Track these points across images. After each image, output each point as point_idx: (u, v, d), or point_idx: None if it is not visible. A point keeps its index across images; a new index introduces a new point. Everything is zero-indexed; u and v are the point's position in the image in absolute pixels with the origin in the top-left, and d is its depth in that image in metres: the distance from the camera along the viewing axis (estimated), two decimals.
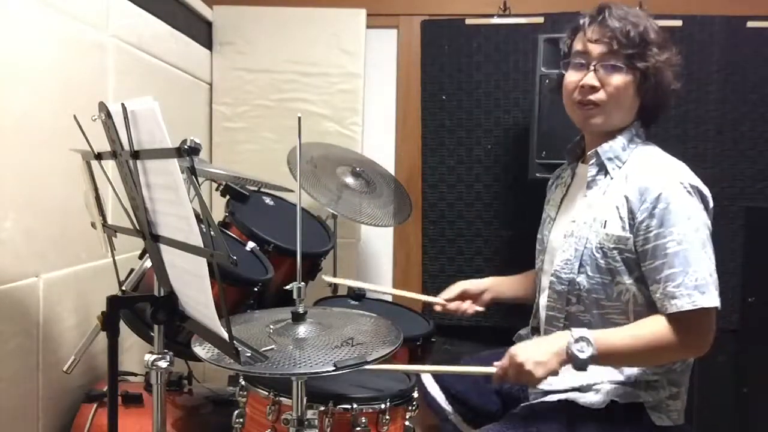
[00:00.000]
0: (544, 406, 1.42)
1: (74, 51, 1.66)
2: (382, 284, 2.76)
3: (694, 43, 2.44)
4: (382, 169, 2.46)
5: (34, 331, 1.53)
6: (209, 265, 0.93)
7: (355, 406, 1.35)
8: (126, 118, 1.00)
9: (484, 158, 2.61)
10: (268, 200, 2.13)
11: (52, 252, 1.59)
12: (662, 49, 1.43)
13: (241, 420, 1.43)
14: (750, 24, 2.44)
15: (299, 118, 1.23)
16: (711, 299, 1.32)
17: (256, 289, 1.66)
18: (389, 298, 2.68)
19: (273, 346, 1.12)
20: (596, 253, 1.41)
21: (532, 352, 1.34)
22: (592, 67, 1.44)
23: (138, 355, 1.92)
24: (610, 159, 1.47)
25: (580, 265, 1.43)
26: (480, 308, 1.76)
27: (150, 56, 2.07)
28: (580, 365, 1.32)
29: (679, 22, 2.43)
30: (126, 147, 1.04)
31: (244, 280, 1.64)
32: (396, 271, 2.77)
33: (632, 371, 1.41)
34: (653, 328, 1.35)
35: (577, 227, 1.47)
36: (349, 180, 2.25)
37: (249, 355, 1.04)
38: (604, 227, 1.41)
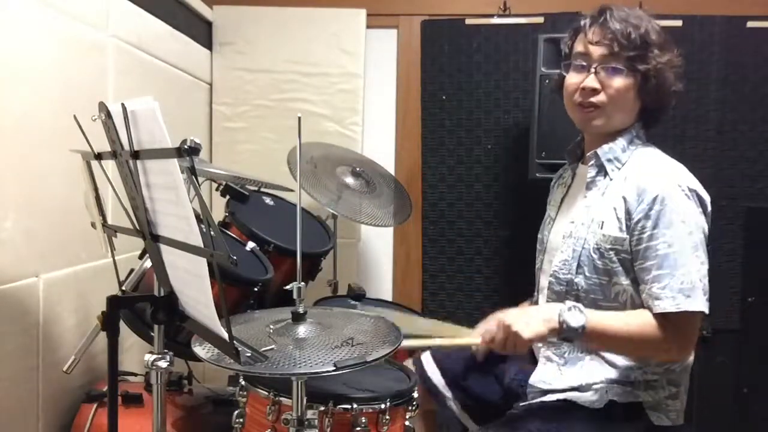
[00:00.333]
0: (544, 405, 1.42)
1: (74, 51, 1.66)
2: (382, 284, 2.76)
3: (694, 43, 2.44)
4: (382, 169, 2.46)
5: (34, 331, 1.53)
6: (209, 265, 0.93)
7: (355, 406, 1.35)
8: (126, 118, 1.00)
9: (484, 158, 2.61)
10: (268, 200, 2.13)
11: (52, 252, 1.59)
12: (663, 51, 1.43)
13: (241, 420, 1.43)
14: (750, 24, 2.44)
15: (299, 118, 1.23)
16: (696, 303, 1.31)
17: (256, 289, 1.66)
18: (389, 298, 2.69)
19: (273, 346, 1.12)
20: (594, 254, 1.42)
21: (520, 315, 1.37)
22: (593, 69, 1.44)
23: (138, 355, 1.92)
24: (609, 160, 1.47)
25: (578, 266, 1.44)
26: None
27: (150, 56, 2.06)
28: (569, 335, 1.33)
29: (679, 22, 2.43)
30: (126, 147, 1.04)
31: (244, 280, 1.64)
32: (396, 271, 2.77)
33: (631, 371, 1.41)
34: (643, 320, 1.35)
35: (576, 228, 1.47)
36: (349, 180, 2.25)
37: (249, 355, 1.04)
38: (602, 228, 1.41)
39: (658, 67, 1.42)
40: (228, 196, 1.89)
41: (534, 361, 1.55)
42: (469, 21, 2.58)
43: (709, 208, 1.40)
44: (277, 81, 2.62)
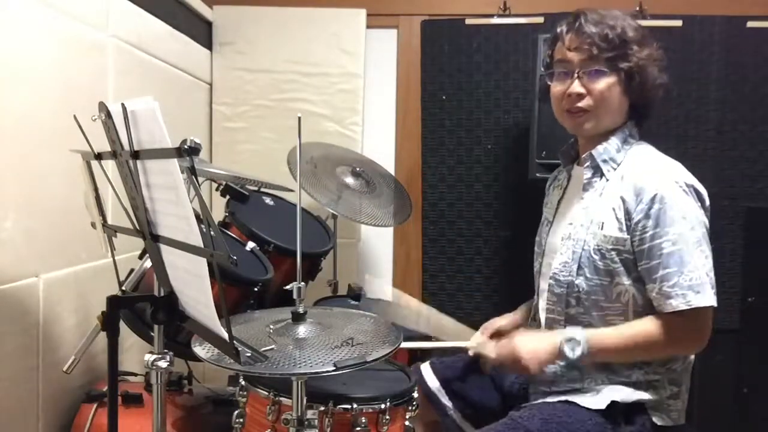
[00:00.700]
0: (546, 406, 1.42)
1: (74, 51, 1.66)
2: (382, 284, 2.75)
3: (694, 43, 2.44)
4: (382, 169, 2.46)
5: (34, 331, 1.53)
6: (209, 265, 0.93)
7: (355, 406, 1.34)
8: (126, 118, 1.00)
9: (484, 158, 2.61)
10: (268, 200, 2.13)
11: (52, 252, 1.59)
12: (642, 46, 1.43)
13: (241, 420, 1.43)
14: (750, 24, 2.44)
15: (299, 118, 1.24)
16: (706, 299, 1.32)
17: (256, 289, 1.66)
18: (389, 298, 2.69)
19: (273, 346, 1.12)
20: (594, 255, 1.42)
21: (531, 347, 1.39)
22: (575, 75, 1.44)
23: (138, 355, 1.92)
24: (605, 161, 1.47)
25: (579, 268, 1.43)
26: None
27: (150, 56, 2.06)
28: (572, 363, 1.38)
29: (679, 22, 2.43)
30: (126, 147, 1.04)
31: (244, 280, 1.64)
32: (396, 271, 2.77)
33: (632, 371, 1.41)
34: (645, 329, 1.37)
35: (575, 230, 1.47)
36: (349, 180, 2.25)
37: (249, 355, 1.04)
38: (602, 229, 1.41)
39: (640, 63, 1.42)
40: (228, 196, 1.89)
41: None
42: (469, 21, 2.58)
43: (708, 203, 1.40)
44: (277, 81, 2.62)
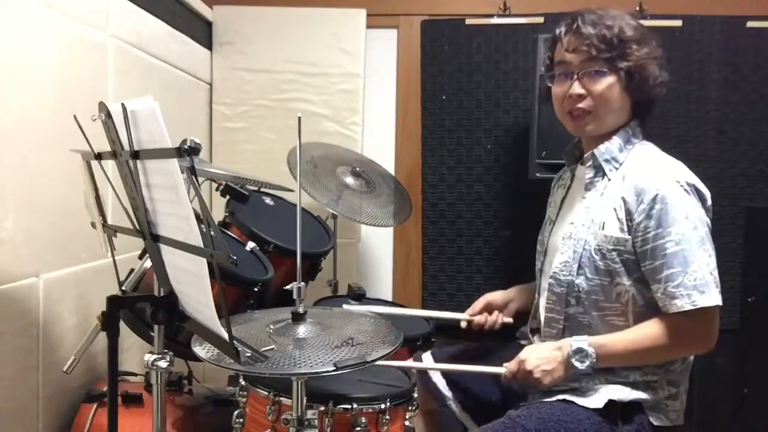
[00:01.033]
0: (544, 406, 1.42)
1: (74, 51, 1.66)
2: (382, 284, 2.76)
3: (694, 43, 2.44)
4: (382, 169, 2.46)
5: (34, 331, 1.53)
6: (209, 265, 0.93)
7: (355, 406, 1.35)
8: (126, 118, 1.00)
9: (484, 158, 2.61)
10: (268, 200, 2.13)
11: (52, 252, 1.59)
12: (641, 45, 1.43)
13: (241, 420, 1.43)
14: (750, 24, 2.44)
15: (299, 118, 1.24)
16: (711, 298, 1.32)
17: (256, 289, 1.66)
18: (389, 298, 2.69)
19: (273, 346, 1.12)
20: (595, 254, 1.42)
21: (540, 360, 1.40)
22: (575, 77, 1.44)
23: (138, 355, 1.92)
24: (607, 161, 1.47)
25: (579, 267, 1.44)
26: (508, 319, 1.73)
27: (150, 56, 2.07)
28: (583, 372, 1.39)
29: (679, 22, 2.43)
30: (126, 147, 1.04)
31: (244, 280, 1.64)
32: (396, 271, 2.77)
33: (631, 371, 1.41)
34: (651, 332, 1.37)
35: (576, 229, 1.47)
36: (349, 180, 2.25)
37: (249, 355, 1.04)
38: (603, 229, 1.41)
39: (639, 62, 1.42)
40: (228, 196, 1.88)
41: None
42: (469, 21, 2.58)
43: (709, 202, 1.40)
44: (277, 81, 2.62)
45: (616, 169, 1.46)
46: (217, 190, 1.92)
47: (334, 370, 1.05)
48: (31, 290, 1.52)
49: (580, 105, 1.45)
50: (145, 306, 1.16)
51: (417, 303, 2.68)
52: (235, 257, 0.87)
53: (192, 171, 0.92)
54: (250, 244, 1.81)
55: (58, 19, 1.59)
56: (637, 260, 1.38)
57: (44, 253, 1.56)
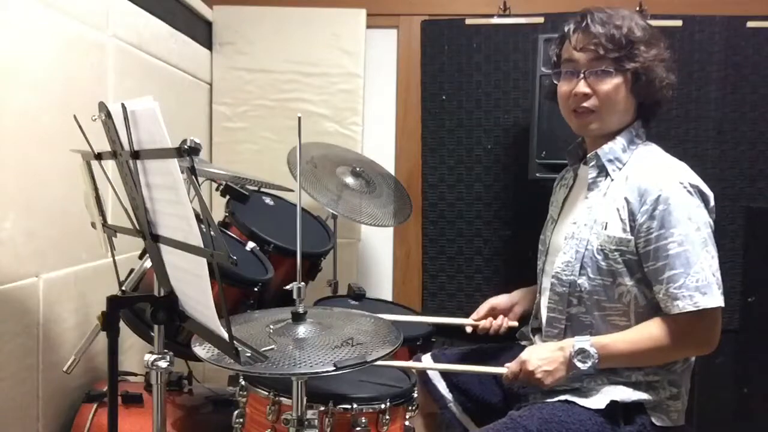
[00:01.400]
0: (545, 406, 1.42)
1: (74, 51, 1.66)
2: (382, 284, 2.76)
3: (694, 43, 2.44)
4: (382, 169, 2.46)
5: (34, 331, 1.53)
6: (209, 265, 0.93)
7: (355, 406, 1.35)
8: (126, 118, 1.00)
9: (484, 158, 2.61)
10: (268, 200, 2.13)
11: (52, 252, 1.59)
12: (650, 46, 1.43)
13: (241, 420, 1.43)
14: (750, 24, 2.44)
15: (299, 118, 1.24)
16: (713, 300, 1.32)
17: (256, 289, 1.66)
18: (389, 298, 2.69)
19: (273, 346, 1.12)
20: (597, 255, 1.41)
21: (541, 360, 1.39)
22: (581, 75, 1.44)
23: (138, 355, 1.92)
24: (610, 161, 1.47)
25: (581, 267, 1.43)
26: (513, 323, 1.72)
27: (150, 56, 2.06)
28: (585, 373, 1.39)
29: (679, 22, 2.43)
30: (126, 147, 1.04)
31: (244, 280, 1.64)
32: (396, 271, 2.77)
33: (632, 372, 1.41)
34: (653, 333, 1.37)
35: (578, 229, 1.47)
36: (349, 180, 2.25)
37: (249, 355, 1.03)
38: (605, 229, 1.41)
39: (646, 63, 1.42)
40: (228, 196, 1.89)
41: None
42: (469, 21, 2.58)
43: (712, 203, 1.40)
44: (277, 81, 2.62)
45: (619, 169, 1.46)
46: (217, 190, 1.92)
47: (334, 370, 1.05)
48: (31, 290, 1.52)
49: (585, 104, 1.45)
50: (145, 306, 1.16)
51: (417, 303, 2.68)
52: (235, 257, 0.87)
53: (192, 171, 0.92)
54: (250, 244, 1.81)
55: (58, 19, 1.59)
56: (640, 261, 1.38)
57: (44, 253, 1.56)
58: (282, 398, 1.35)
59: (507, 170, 2.58)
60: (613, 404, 1.38)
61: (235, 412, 1.44)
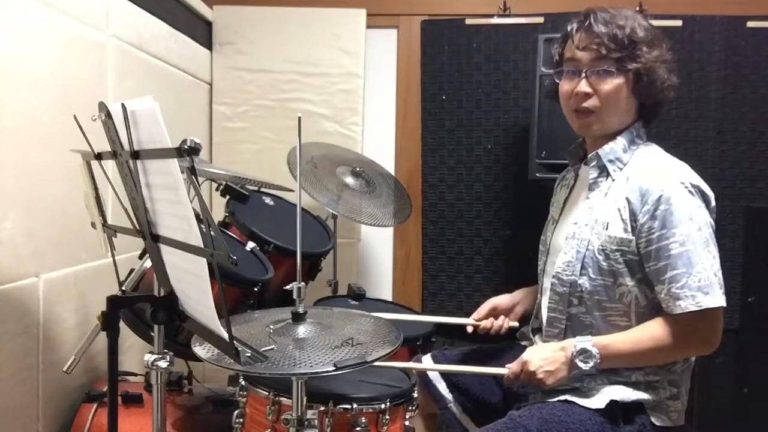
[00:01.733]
0: (545, 406, 1.42)
1: (74, 51, 1.66)
2: (383, 285, 2.76)
3: (694, 43, 2.44)
4: (382, 169, 2.46)
5: (34, 331, 1.53)
6: (209, 265, 0.93)
7: (355, 406, 1.35)
8: (126, 118, 1.00)
9: (484, 158, 2.61)
10: (268, 200, 2.13)
11: (52, 252, 1.59)
12: (652, 47, 1.43)
13: (241, 420, 1.43)
14: (750, 24, 2.44)
15: (299, 118, 1.24)
16: (715, 299, 1.32)
17: (256, 289, 1.66)
18: (389, 298, 2.69)
19: (273, 346, 1.12)
20: (598, 255, 1.41)
21: (543, 361, 1.39)
22: (583, 74, 1.44)
23: (138, 355, 1.92)
24: (611, 161, 1.47)
25: (582, 267, 1.43)
26: (514, 323, 1.72)
27: (150, 56, 2.06)
28: (586, 373, 1.39)
29: (679, 22, 2.43)
30: (126, 147, 1.04)
31: (244, 280, 1.64)
32: (396, 271, 2.77)
33: (632, 372, 1.41)
34: (654, 333, 1.37)
35: (579, 229, 1.47)
36: (349, 180, 2.25)
37: (249, 355, 1.03)
38: (606, 229, 1.41)
39: (648, 64, 1.42)
40: (228, 196, 1.89)
41: None
42: (469, 21, 2.58)
43: (713, 204, 1.40)
44: (277, 81, 2.62)
45: (620, 169, 1.46)
46: (217, 190, 1.92)
47: (334, 370, 1.05)
48: (31, 290, 1.52)
49: (586, 104, 1.45)
50: (145, 306, 1.16)
51: (417, 303, 2.68)
52: (235, 257, 0.87)
53: (192, 171, 0.92)
54: (250, 244, 1.80)
55: (58, 19, 1.59)
56: (641, 261, 1.38)
57: (44, 253, 1.56)
58: (282, 398, 1.35)
59: (507, 170, 2.58)
60: (612, 404, 1.38)
61: (235, 412, 1.44)
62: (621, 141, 1.47)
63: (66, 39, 1.62)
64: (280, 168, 2.18)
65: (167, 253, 1.10)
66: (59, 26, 1.60)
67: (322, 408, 1.32)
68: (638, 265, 1.39)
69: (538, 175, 2.17)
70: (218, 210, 2.06)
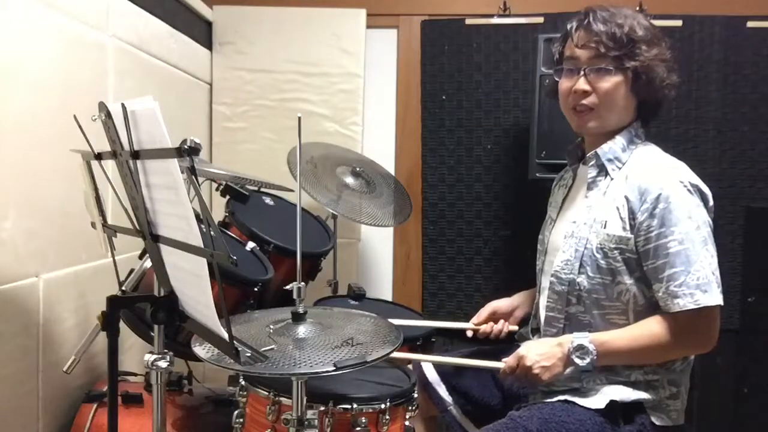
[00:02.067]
0: (545, 406, 1.42)
1: (74, 51, 1.66)
2: (383, 285, 2.76)
3: (694, 43, 2.44)
4: (382, 169, 2.46)
5: (34, 331, 1.53)
6: (209, 265, 0.93)
7: (355, 406, 1.34)
8: (126, 118, 1.00)
9: (484, 158, 2.61)
10: (268, 200, 2.13)
11: (52, 252, 1.59)
12: (651, 46, 1.43)
13: (241, 420, 1.43)
14: (750, 24, 2.44)
15: (299, 118, 1.23)
16: (713, 298, 1.33)
17: (256, 289, 1.66)
18: (389, 298, 2.69)
19: (273, 346, 1.12)
20: (597, 253, 1.42)
21: (539, 356, 1.39)
22: (581, 72, 1.45)
23: (138, 355, 1.92)
24: (609, 160, 1.47)
25: (581, 266, 1.44)
26: (514, 327, 1.73)
27: (150, 56, 2.06)
28: (582, 369, 1.39)
29: (679, 22, 2.43)
30: (126, 147, 1.04)
31: (244, 280, 1.64)
32: (396, 271, 2.77)
33: (632, 371, 1.41)
34: (652, 330, 1.37)
35: (578, 228, 1.47)
36: (349, 180, 2.25)
37: (249, 355, 1.03)
38: (605, 228, 1.42)
39: (647, 63, 1.42)
40: (228, 196, 1.88)
41: None
42: (469, 21, 2.58)
43: (711, 203, 1.40)
44: (277, 81, 2.62)
45: (619, 168, 1.46)
46: (217, 190, 1.92)
47: (334, 370, 1.05)
48: (31, 290, 1.52)
49: (584, 102, 1.45)
50: (145, 306, 1.16)
51: (417, 303, 2.68)
52: (235, 257, 0.87)
53: (192, 171, 0.92)
54: (250, 244, 1.80)
55: (58, 19, 1.59)
56: (639, 259, 1.39)
57: (44, 253, 1.56)
58: (282, 398, 1.35)
59: (507, 170, 2.58)
60: (612, 404, 1.38)
61: (235, 412, 1.44)
62: (620, 140, 1.47)
63: (66, 39, 1.62)
64: (280, 168, 2.18)
65: (167, 253, 1.10)
66: (59, 26, 1.60)
67: (322, 408, 1.32)
68: (637, 263, 1.39)
69: (537, 175, 2.17)
70: (218, 210, 2.06)
